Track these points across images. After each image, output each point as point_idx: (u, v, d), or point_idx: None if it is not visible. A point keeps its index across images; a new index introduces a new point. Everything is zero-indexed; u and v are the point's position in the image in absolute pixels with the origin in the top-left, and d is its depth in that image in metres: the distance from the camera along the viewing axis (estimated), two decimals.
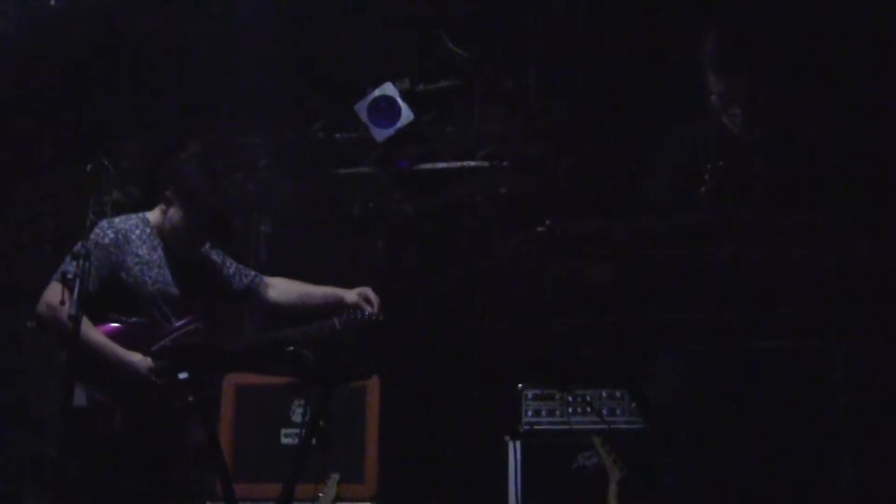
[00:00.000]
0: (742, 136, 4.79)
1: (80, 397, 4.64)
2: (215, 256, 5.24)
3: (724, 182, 4.65)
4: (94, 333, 4.80)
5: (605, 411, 6.02)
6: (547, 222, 3.88)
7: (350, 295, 5.11)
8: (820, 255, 3.74)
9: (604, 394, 6.04)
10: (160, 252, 5.04)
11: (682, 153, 4.90)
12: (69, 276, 4.34)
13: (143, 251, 5.00)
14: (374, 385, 6.27)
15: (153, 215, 5.11)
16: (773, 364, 4.65)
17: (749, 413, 4.74)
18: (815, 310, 3.75)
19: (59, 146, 7.21)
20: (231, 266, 5.27)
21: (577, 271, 3.69)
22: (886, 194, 4.95)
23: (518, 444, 6.02)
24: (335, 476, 5.99)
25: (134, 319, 4.93)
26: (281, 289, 5.32)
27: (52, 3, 6.74)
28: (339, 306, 5.11)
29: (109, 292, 4.88)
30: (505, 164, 7.23)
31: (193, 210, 4.98)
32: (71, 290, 4.29)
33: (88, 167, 4.46)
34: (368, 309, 5.02)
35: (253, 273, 5.34)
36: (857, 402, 4.62)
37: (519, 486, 5.93)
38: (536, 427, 6.08)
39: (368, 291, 5.10)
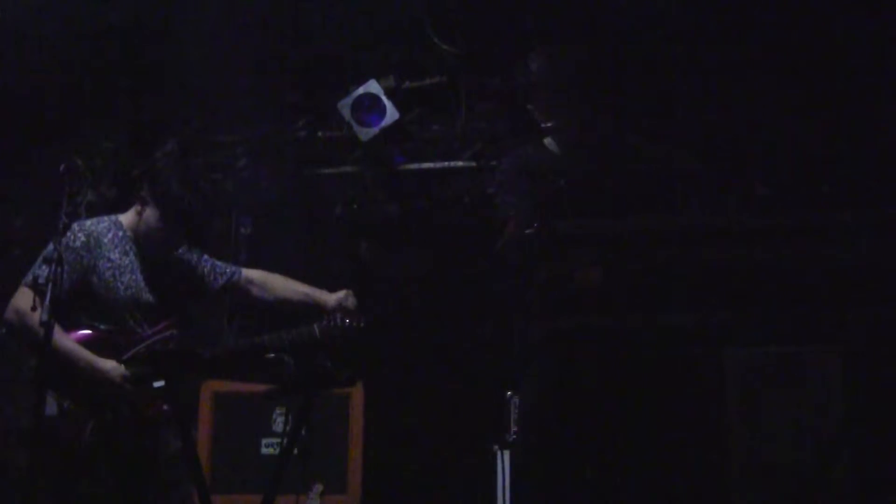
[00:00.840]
0: (566, 158, 4.71)
1: (50, 406, 4.57)
2: (189, 256, 5.12)
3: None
4: (66, 340, 4.68)
5: None
6: (535, 224, 3.82)
7: (330, 300, 5.01)
8: (820, 256, 3.71)
9: None
10: (132, 256, 4.92)
11: (516, 174, 4.82)
12: (41, 282, 4.24)
13: (114, 255, 4.88)
14: (357, 392, 6.21)
15: (126, 217, 5.00)
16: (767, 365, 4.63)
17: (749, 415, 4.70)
18: (813, 313, 3.73)
19: (31, 145, 7.10)
20: (207, 263, 5.15)
21: (567, 274, 3.67)
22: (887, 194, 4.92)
23: (506, 453, 5.92)
24: (318, 486, 5.89)
25: (103, 326, 4.81)
26: (261, 285, 5.20)
27: None
28: (318, 309, 5.01)
29: (80, 297, 4.77)
30: (493, 163, 7.13)
31: (170, 211, 4.86)
32: (42, 296, 4.17)
33: (61, 167, 4.34)
34: (348, 318, 4.91)
35: (230, 269, 5.21)
36: (857, 405, 4.60)
37: (507, 497, 5.84)
38: None
39: (345, 298, 5.01)
